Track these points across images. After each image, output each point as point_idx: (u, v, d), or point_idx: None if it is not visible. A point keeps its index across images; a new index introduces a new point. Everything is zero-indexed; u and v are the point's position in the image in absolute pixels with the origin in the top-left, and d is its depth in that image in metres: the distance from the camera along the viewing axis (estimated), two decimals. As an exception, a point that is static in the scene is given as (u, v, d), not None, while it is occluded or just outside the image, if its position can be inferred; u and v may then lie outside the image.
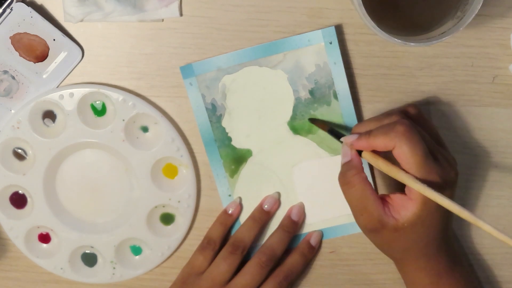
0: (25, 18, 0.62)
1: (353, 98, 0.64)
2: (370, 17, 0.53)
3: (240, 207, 0.67)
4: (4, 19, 0.62)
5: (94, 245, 0.68)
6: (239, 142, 0.66)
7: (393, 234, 0.55)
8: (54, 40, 0.63)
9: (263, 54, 0.63)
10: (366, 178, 0.56)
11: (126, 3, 0.61)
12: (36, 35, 0.63)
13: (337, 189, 0.66)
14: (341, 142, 0.59)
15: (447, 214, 0.56)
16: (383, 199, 0.56)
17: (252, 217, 0.66)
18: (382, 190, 0.67)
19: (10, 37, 0.63)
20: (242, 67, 0.64)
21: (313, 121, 0.64)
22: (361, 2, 0.52)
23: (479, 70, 0.64)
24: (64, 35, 0.63)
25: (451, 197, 0.56)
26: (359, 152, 0.57)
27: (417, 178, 0.53)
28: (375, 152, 0.56)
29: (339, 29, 0.63)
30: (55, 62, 0.64)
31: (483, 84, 0.64)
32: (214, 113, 0.65)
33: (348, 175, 0.57)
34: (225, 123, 0.65)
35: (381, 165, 0.55)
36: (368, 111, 0.65)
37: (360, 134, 0.57)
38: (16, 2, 0.62)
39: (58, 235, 0.68)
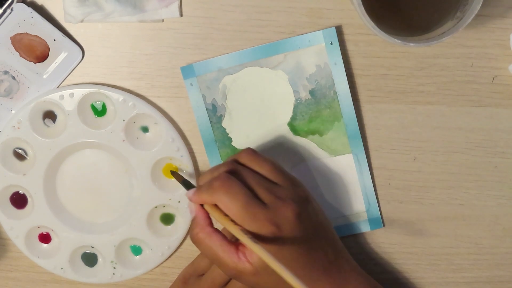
0: (25, 19, 0.62)
1: (353, 99, 0.64)
2: (370, 17, 0.53)
3: None
4: (4, 20, 0.62)
5: (94, 245, 0.68)
6: (239, 142, 0.66)
7: (254, 278, 0.54)
8: (54, 40, 0.63)
9: (264, 55, 0.64)
10: (211, 231, 0.55)
11: (126, 4, 0.62)
12: (36, 36, 0.63)
13: (336, 190, 0.66)
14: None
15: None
16: (239, 245, 0.55)
17: None
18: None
19: (11, 38, 0.63)
20: (243, 68, 0.64)
21: (173, 173, 0.65)
22: (360, 2, 0.52)
23: (478, 70, 0.64)
24: (65, 36, 0.63)
25: (290, 236, 0.54)
26: None
27: (244, 226, 0.52)
28: None
29: (338, 30, 0.63)
30: (56, 63, 0.64)
31: (482, 84, 0.64)
32: (215, 113, 0.65)
33: (193, 234, 0.56)
34: (225, 123, 0.65)
35: (216, 217, 0.54)
36: (368, 111, 0.65)
37: (196, 188, 0.57)
38: (17, 2, 0.62)
39: (58, 235, 0.68)
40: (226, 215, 0.54)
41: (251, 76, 0.64)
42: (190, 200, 0.57)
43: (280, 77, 0.64)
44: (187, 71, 0.64)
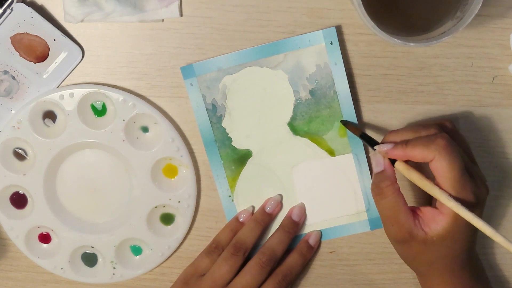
0: (25, 19, 0.62)
1: (353, 98, 0.64)
2: (370, 17, 0.53)
3: (251, 216, 0.67)
4: (4, 20, 0.62)
5: (94, 245, 0.68)
6: (239, 142, 0.66)
7: (421, 246, 0.56)
8: (54, 40, 0.63)
9: (264, 55, 0.64)
10: (399, 189, 0.57)
11: (126, 4, 0.62)
12: (36, 36, 0.63)
13: (336, 190, 0.66)
14: (374, 149, 0.59)
15: (475, 231, 0.57)
16: (413, 211, 0.57)
17: (254, 219, 0.66)
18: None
19: (11, 38, 0.63)
20: (243, 68, 0.64)
21: (345, 123, 0.65)
22: (360, 2, 0.52)
23: (478, 70, 0.64)
24: (64, 35, 0.63)
25: (480, 214, 0.57)
26: (392, 162, 0.58)
27: (451, 194, 0.54)
28: (408, 163, 0.57)
29: (338, 29, 0.63)
30: (56, 62, 0.64)
31: (482, 84, 0.65)
32: (215, 113, 0.65)
33: (382, 186, 0.57)
34: (225, 123, 0.65)
35: (415, 177, 0.56)
36: (368, 111, 0.65)
37: (396, 143, 0.57)
38: (17, 2, 0.62)
39: (58, 235, 0.68)
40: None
41: (251, 76, 0.64)
42: (386, 153, 0.57)
43: (280, 77, 0.64)
44: (187, 71, 0.64)
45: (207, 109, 0.65)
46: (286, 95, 0.65)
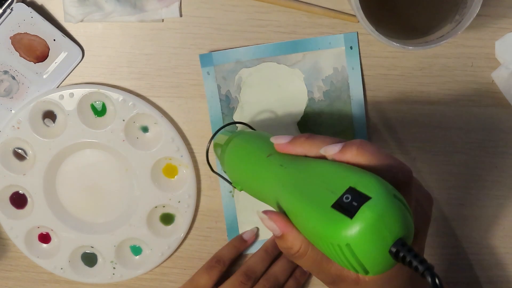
0: (25, 18, 0.64)
1: (353, 99, 0.66)
2: (369, 20, 0.54)
3: (255, 237, 0.69)
4: (4, 19, 0.64)
5: (94, 245, 0.70)
6: (247, 138, 0.68)
7: (354, 287, 0.48)
8: (54, 40, 0.65)
9: (283, 52, 0.65)
10: (308, 242, 0.46)
11: (126, 4, 0.64)
12: (36, 35, 0.65)
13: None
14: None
15: (412, 272, 0.43)
16: None
17: (265, 249, 0.67)
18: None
19: (11, 37, 0.65)
20: (261, 62, 0.66)
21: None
22: (359, 5, 0.54)
23: (479, 70, 0.66)
24: (64, 35, 0.65)
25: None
26: None
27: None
28: None
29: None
30: (55, 62, 0.66)
31: (483, 84, 0.66)
32: (227, 105, 0.67)
33: (292, 252, 0.48)
34: (236, 116, 0.67)
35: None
36: (369, 111, 0.67)
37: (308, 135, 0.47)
38: (17, 2, 0.64)
39: (58, 235, 0.70)
40: None
41: (268, 71, 0.66)
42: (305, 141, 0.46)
43: (296, 76, 0.66)
44: (206, 59, 0.66)
45: (220, 99, 0.67)
46: (299, 94, 0.66)
